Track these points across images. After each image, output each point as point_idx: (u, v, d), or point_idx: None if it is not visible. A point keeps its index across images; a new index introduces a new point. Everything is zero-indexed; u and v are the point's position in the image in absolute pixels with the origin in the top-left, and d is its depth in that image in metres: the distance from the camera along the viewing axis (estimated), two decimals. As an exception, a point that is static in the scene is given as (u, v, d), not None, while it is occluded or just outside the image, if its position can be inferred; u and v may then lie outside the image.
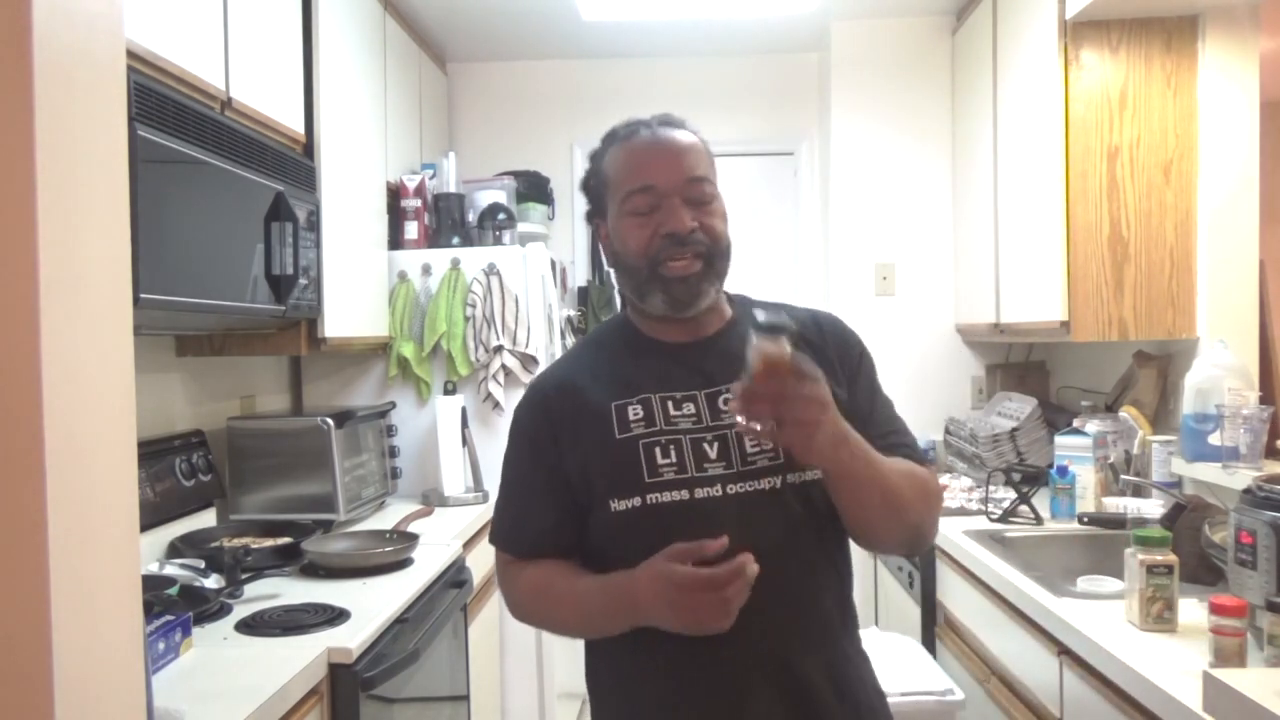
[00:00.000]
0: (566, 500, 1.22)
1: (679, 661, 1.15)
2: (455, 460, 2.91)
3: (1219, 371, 2.26)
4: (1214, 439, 2.23)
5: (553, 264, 3.27)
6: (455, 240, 3.12)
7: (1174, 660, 1.44)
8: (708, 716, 1.16)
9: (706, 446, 1.18)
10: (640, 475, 1.17)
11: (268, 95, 2.13)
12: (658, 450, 1.17)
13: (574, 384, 1.26)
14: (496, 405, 2.98)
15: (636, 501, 1.16)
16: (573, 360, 1.33)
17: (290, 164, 2.17)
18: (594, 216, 1.32)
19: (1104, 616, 1.65)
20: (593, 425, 1.21)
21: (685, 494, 1.16)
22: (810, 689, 1.16)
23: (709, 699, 1.15)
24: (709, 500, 1.15)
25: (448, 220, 3.15)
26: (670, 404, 1.21)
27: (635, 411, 1.20)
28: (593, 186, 1.30)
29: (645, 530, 1.14)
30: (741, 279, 4.38)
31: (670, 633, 1.09)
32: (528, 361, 2.99)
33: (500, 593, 1.35)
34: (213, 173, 1.80)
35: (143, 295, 1.54)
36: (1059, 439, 2.56)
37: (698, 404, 1.21)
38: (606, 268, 1.32)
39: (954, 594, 2.38)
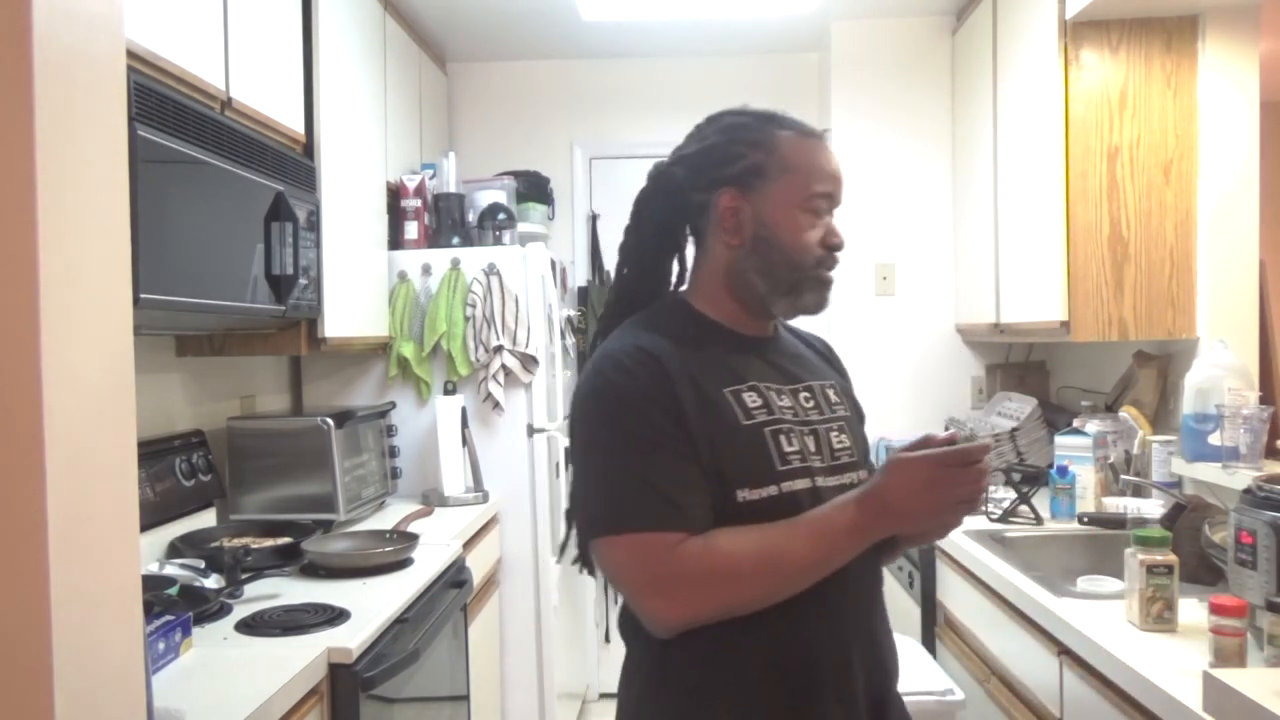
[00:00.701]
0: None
1: (788, 635, 1.14)
2: (455, 460, 2.91)
3: (1219, 371, 2.26)
4: (1214, 439, 2.23)
5: (553, 264, 3.27)
6: (455, 240, 3.12)
7: (1174, 660, 1.44)
8: (815, 686, 1.15)
9: (809, 438, 1.20)
10: (772, 464, 1.16)
11: (268, 95, 2.13)
12: (783, 438, 1.18)
13: (677, 360, 1.17)
14: (496, 405, 2.98)
15: (772, 490, 1.14)
16: (649, 338, 1.20)
17: (290, 164, 2.17)
18: (727, 183, 1.22)
19: (1104, 616, 1.65)
20: (713, 409, 1.15)
21: (808, 483, 1.17)
22: (886, 666, 1.23)
23: (816, 671, 1.15)
24: (825, 489, 1.18)
25: (448, 220, 3.15)
26: (774, 394, 1.21)
27: (753, 399, 1.19)
28: (749, 156, 1.21)
29: (777, 520, 1.14)
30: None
31: (779, 612, 1.11)
32: (528, 361, 2.99)
33: (633, 590, 1.13)
34: (213, 173, 1.80)
35: (143, 295, 1.54)
36: (1059, 439, 2.56)
37: (792, 397, 1.22)
38: (730, 239, 1.23)
39: (954, 594, 2.38)
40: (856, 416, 1.32)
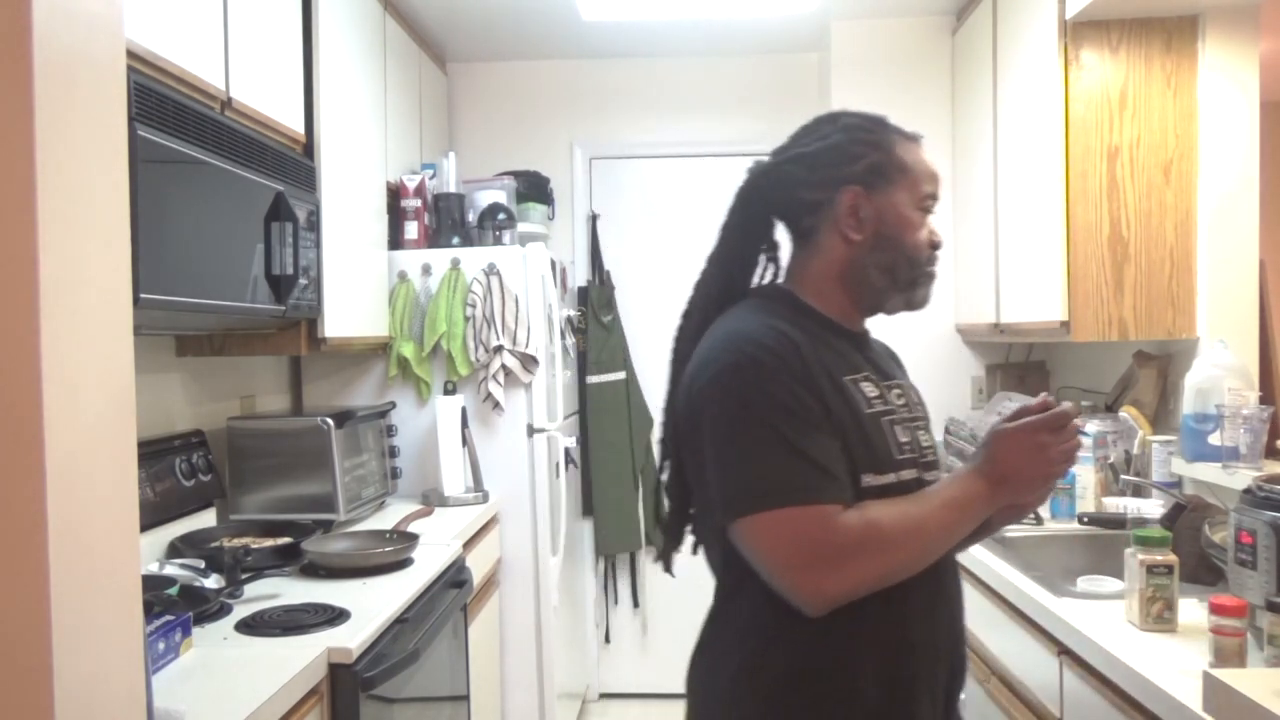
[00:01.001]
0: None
1: (893, 621, 1.18)
2: (455, 460, 2.91)
3: (1219, 371, 2.26)
4: (1214, 439, 2.23)
5: (553, 264, 3.27)
6: (455, 240, 3.12)
7: (1174, 660, 1.44)
8: (910, 675, 1.19)
9: (910, 433, 1.26)
10: (891, 452, 1.20)
11: (268, 95, 2.13)
12: (897, 429, 1.23)
13: (807, 345, 1.19)
14: (496, 405, 2.98)
15: (891, 478, 1.19)
16: (771, 321, 1.21)
17: (290, 164, 2.17)
18: (851, 180, 1.25)
19: (1104, 616, 1.65)
20: (843, 394, 1.19)
21: (915, 474, 1.23)
22: (963, 663, 1.29)
23: (913, 658, 1.20)
24: (926, 482, 1.24)
25: (448, 220, 3.15)
26: (882, 388, 1.26)
27: (870, 389, 1.23)
28: (870, 156, 1.26)
29: None
30: (741, 279, 4.24)
31: (886, 597, 1.14)
32: (528, 361, 2.99)
33: (793, 565, 1.11)
34: (213, 173, 1.80)
35: (143, 295, 1.54)
36: (1059, 439, 2.56)
37: (888, 393, 1.27)
38: (853, 235, 1.26)
39: (954, 594, 2.38)
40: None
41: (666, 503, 1.33)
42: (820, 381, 1.16)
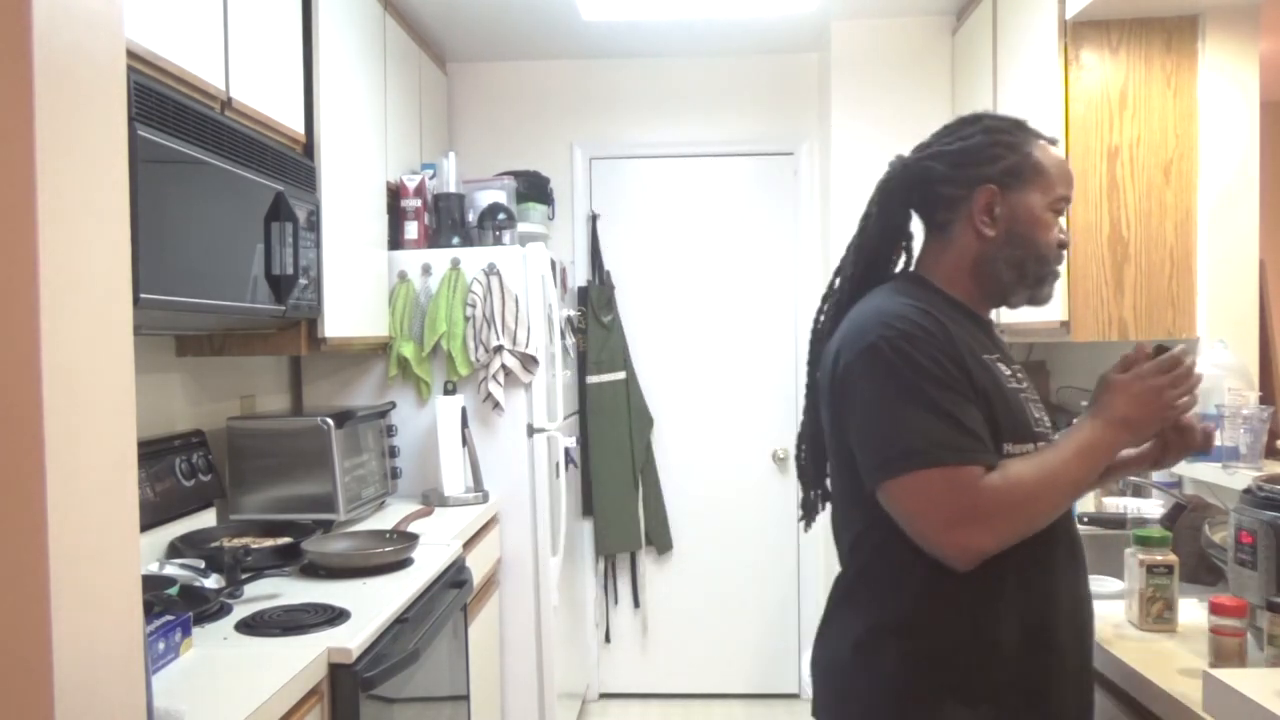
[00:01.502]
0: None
1: (1039, 587, 1.26)
2: (455, 460, 2.91)
3: (1219, 371, 2.26)
4: (1216, 439, 2.22)
5: (553, 264, 3.27)
6: (455, 240, 3.12)
7: (1174, 660, 1.44)
8: (1072, 631, 1.29)
9: (1036, 410, 1.35)
10: (1030, 424, 1.30)
11: (268, 95, 2.13)
12: (1030, 404, 1.33)
13: (950, 324, 1.28)
14: (496, 405, 2.98)
15: (1029, 447, 1.27)
16: (914, 301, 1.30)
17: (290, 164, 2.17)
18: (988, 180, 1.33)
19: (1104, 616, 1.65)
20: (986, 369, 1.28)
21: (1042, 446, 1.30)
22: (1092, 611, 1.36)
23: (1064, 607, 1.29)
24: None
25: (448, 220, 3.15)
26: (1012, 368, 1.35)
27: (1004, 367, 1.33)
28: (1008, 158, 1.33)
29: None
30: (742, 279, 4.37)
31: (1032, 561, 1.24)
32: (528, 361, 2.99)
33: (944, 521, 1.18)
34: (213, 173, 1.80)
35: (143, 295, 1.54)
36: (1059, 439, 2.56)
37: (1018, 372, 1.36)
38: (986, 231, 1.34)
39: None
40: None
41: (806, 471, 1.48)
42: (964, 355, 1.25)
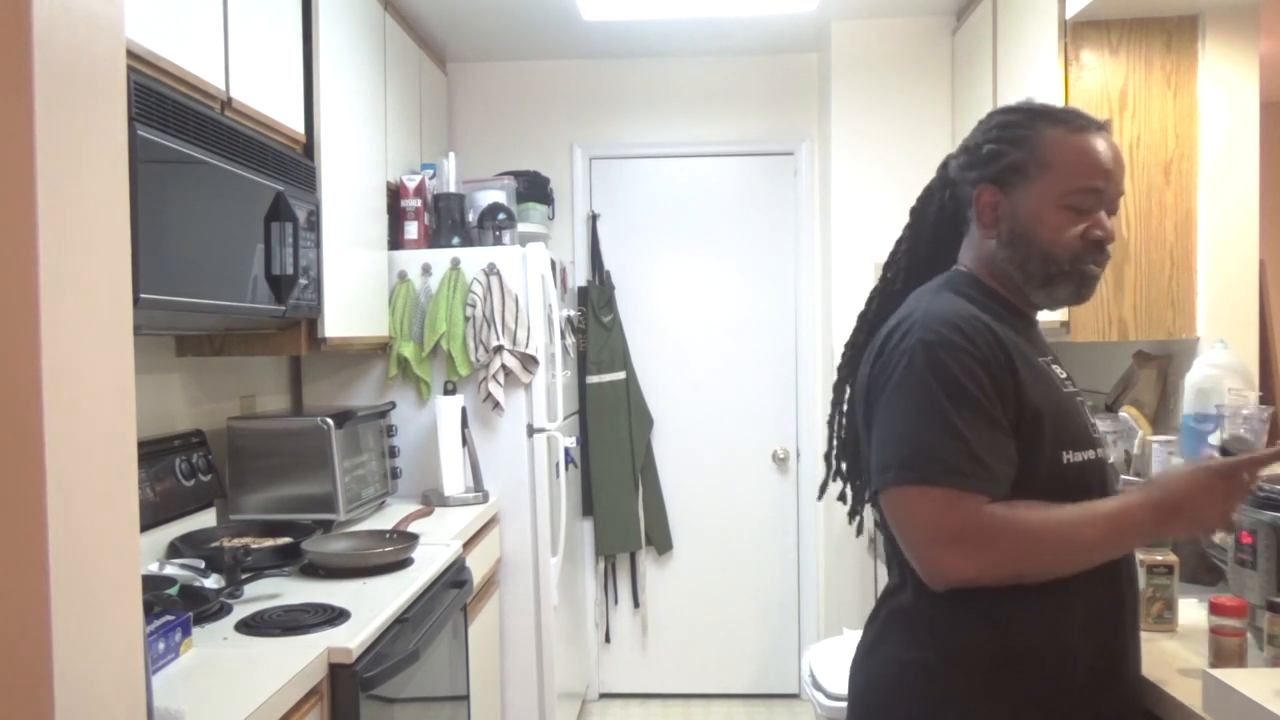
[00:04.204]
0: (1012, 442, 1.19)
1: (1104, 599, 1.24)
2: (455, 460, 2.91)
3: (1219, 371, 2.25)
4: (1214, 439, 2.22)
5: (553, 264, 3.27)
6: (455, 240, 3.12)
7: (1174, 660, 1.44)
8: (1122, 630, 1.27)
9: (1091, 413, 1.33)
10: (1087, 429, 1.26)
11: (268, 95, 2.13)
12: (1085, 409, 1.30)
13: (1002, 330, 1.23)
14: (496, 405, 2.98)
15: (1090, 454, 1.24)
16: (966, 305, 1.26)
17: (290, 164, 2.17)
18: (987, 179, 1.30)
19: (1104, 616, 1.65)
20: (1044, 377, 1.24)
21: (1101, 453, 1.28)
22: (1138, 669, 1.34)
23: (1122, 617, 1.27)
24: (1105, 460, 1.29)
25: (448, 220, 3.15)
26: (1065, 370, 1.31)
27: (1059, 370, 1.29)
28: (1009, 154, 1.29)
29: (1091, 482, 1.23)
30: (742, 279, 4.36)
31: (1090, 589, 1.20)
32: (528, 361, 2.99)
33: (927, 539, 1.16)
34: (213, 173, 1.80)
35: (143, 295, 1.54)
36: (1059, 439, 2.56)
37: (1069, 376, 1.32)
38: (989, 232, 1.32)
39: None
40: None
41: (843, 465, 1.46)
42: (1019, 369, 1.19)
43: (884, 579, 1.36)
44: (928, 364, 1.17)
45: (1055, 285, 1.29)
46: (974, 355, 1.17)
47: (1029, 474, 1.18)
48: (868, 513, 1.43)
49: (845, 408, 1.43)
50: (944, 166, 1.40)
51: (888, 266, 1.44)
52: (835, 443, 1.47)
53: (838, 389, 1.45)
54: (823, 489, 1.50)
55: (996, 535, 1.13)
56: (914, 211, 1.43)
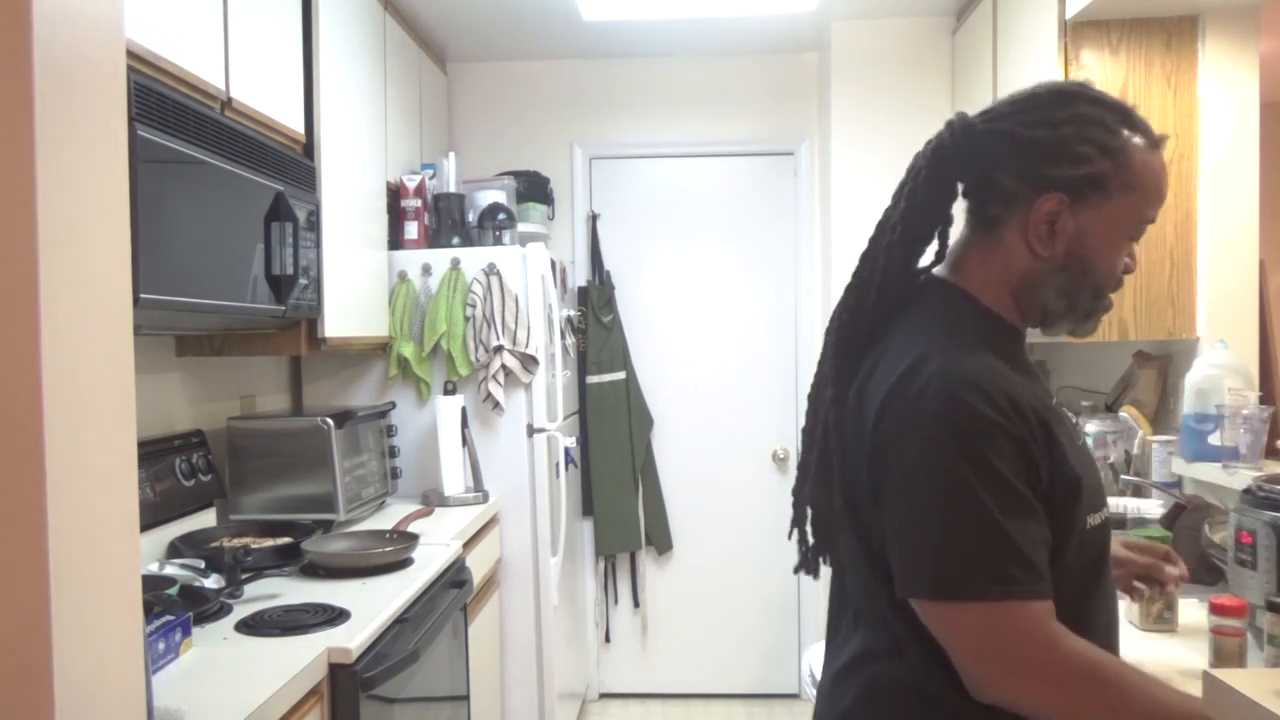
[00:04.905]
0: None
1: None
2: (455, 460, 2.91)
3: (1219, 371, 2.25)
4: (1214, 439, 2.22)
5: (553, 264, 3.27)
6: (455, 240, 3.12)
7: (1174, 660, 1.44)
8: None
9: None
10: (1102, 485, 1.10)
11: (268, 95, 2.13)
12: (1091, 453, 1.14)
13: (1017, 386, 1.03)
14: (496, 405, 2.98)
15: (1105, 513, 1.09)
16: (982, 358, 1.04)
17: (290, 164, 2.17)
18: (1060, 187, 1.06)
19: (1104, 616, 1.65)
20: (1067, 434, 1.06)
21: (1108, 508, 1.12)
22: None
23: None
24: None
25: (448, 220, 3.15)
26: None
27: (1070, 418, 1.12)
28: (1099, 165, 1.05)
29: (1104, 545, 1.10)
30: (742, 279, 4.36)
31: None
32: (528, 361, 2.99)
33: (989, 657, 0.99)
34: (213, 173, 1.80)
35: (143, 295, 1.54)
36: (1059, 439, 2.55)
37: None
38: (1039, 248, 1.08)
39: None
40: None
41: (808, 510, 1.17)
42: (1055, 433, 1.02)
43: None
44: (955, 443, 0.98)
45: (1092, 318, 1.13)
46: (1008, 433, 0.98)
47: (1056, 550, 1.02)
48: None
49: (828, 432, 1.13)
50: (974, 137, 1.10)
51: (867, 259, 1.17)
52: (807, 476, 1.16)
53: (818, 403, 1.16)
54: (791, 532, 1.22)
55: (1063, 671, 0.97)
56: (916, 190, 1.12)
